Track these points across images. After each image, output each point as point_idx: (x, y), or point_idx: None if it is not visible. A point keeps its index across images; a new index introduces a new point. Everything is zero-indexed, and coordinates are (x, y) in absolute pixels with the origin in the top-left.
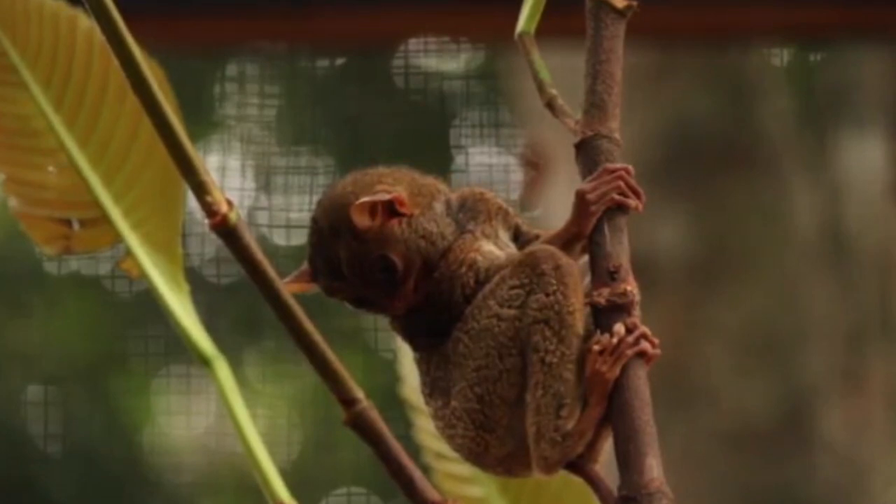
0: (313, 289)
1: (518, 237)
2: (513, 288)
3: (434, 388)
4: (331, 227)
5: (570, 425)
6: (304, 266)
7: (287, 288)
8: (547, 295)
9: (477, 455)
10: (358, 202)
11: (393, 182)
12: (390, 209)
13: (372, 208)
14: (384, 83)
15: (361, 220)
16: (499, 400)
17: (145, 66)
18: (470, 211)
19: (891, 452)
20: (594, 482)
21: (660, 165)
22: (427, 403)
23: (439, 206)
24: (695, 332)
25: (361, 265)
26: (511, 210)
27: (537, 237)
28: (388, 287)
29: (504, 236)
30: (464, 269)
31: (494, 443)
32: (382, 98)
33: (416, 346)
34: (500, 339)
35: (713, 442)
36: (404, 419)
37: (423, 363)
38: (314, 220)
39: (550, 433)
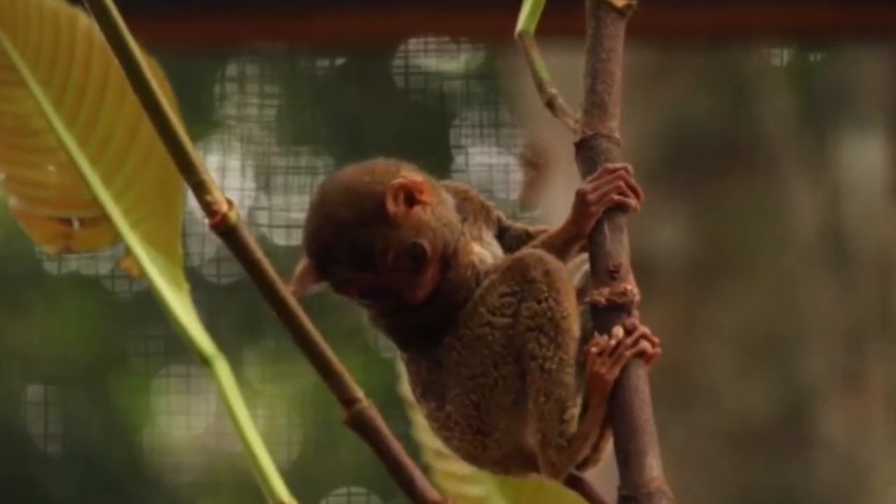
0: (318, 288)
1: (503, 232)
2: (503, 295)
3: (427, 390)
4: (356, 218)
5: (573, 428)
6: (303, 266)
7: (294, 292)
8: (538, 302)
9: (475, 457)
10: (395, 182)
11: (408, 171)
12: (411, 197)
13: (406, 192)
14: (384, 83)
15: (393, 206)
16: (496, 406)
17: (145, 65)
18: (460, 211)
19: (891, 452)
20: (588, 494)
21: (659, 165)
22: (419, 403)
23: (447, 196)
24: (695, 332)
25: (396, 253)
26: (491, 205)
27: (527, 233)
28: (412, 276)
29: (487, 235)
30: (469, 273)
31: (492, 445)
32: (382, 98)
33: (405, 347)
34: (495, 348)
35: (713, 442)
36: (404, 418)
37: (414, 364)
38: (326, 215)
39: (556, 439)
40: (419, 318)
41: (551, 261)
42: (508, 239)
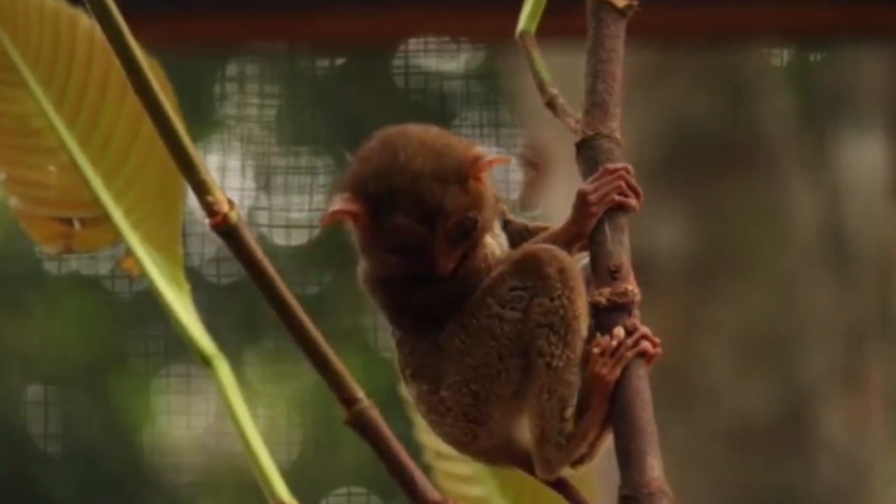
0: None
1: (505, 225)
2: (514, 289)
3: (419, 372)
4: (433, 172)
5: (571, 427)
6: (345, 199)
7: (330, 217)
8: (552, 300)
9: (463, 444)
10: (493, 158)
11: None
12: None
13: (481, 167)
14: (384, 83)
15: (482, 175)
16: (494, 397)
17: (146, 65)
18: None
19: (891, 452)
20: (572, 498)
21: (659, 165)
22: (407, 383)
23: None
24: (695, 332)
25: (457, 219)
26: (500, 195)
27: (526, 228)
28: (452, 247)
29: (497, 227)
30: (483, 265)
31: (483, 435)
32: (382, 98)
33: (399, 325)
34: (502, 341)
35: (713, 442)
36: (405, 418)
37: (407, 344)
38: (398, 162)
39: (555, 437)
40: (424, 297)
41: (566, 258)
42: (509, 233)
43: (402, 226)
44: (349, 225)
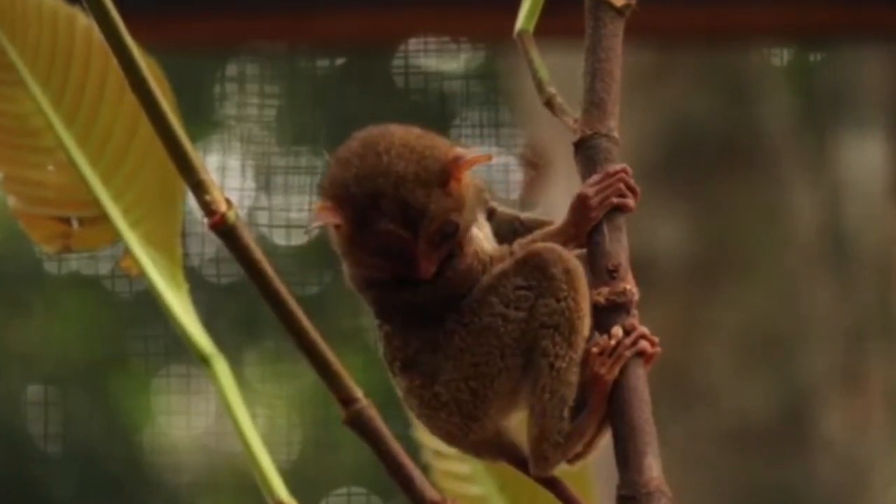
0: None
1: (490, 215)
2: (519, 288)
3: (411, 366)
4: (416, 175)
5: (569, 426)
6: (327, 205)
7: (310, 227)
8: (558, 301)
9: (454, 438)
10: (473, 157)
11: None
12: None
13: (461, 166)
14: (384, 83)
15: (462, 175)
16: (493, 394)
17: (143, 64)
18: None
19: (891, 452)
20: (564, 497)
21: (659, 165)
22: (396, 375)
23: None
24: (695, 332)
25: (440, 222)
26: (482, 185)
27: (518, 220)
28: (433, 250)
29: (481, 217)
30: (475, 264)
31: (476, 430)
32: (382, 98)
33: (389, 321)
34: (505, 340)
35: (713, 442)
36: (403, 418)
37: (397, 339)
38: (382, 166)
39: (554, 436)
40: (410, 297)
41: (570, 259)
42: (497, 222)
43: (384, 231)
44: (330, 230)
